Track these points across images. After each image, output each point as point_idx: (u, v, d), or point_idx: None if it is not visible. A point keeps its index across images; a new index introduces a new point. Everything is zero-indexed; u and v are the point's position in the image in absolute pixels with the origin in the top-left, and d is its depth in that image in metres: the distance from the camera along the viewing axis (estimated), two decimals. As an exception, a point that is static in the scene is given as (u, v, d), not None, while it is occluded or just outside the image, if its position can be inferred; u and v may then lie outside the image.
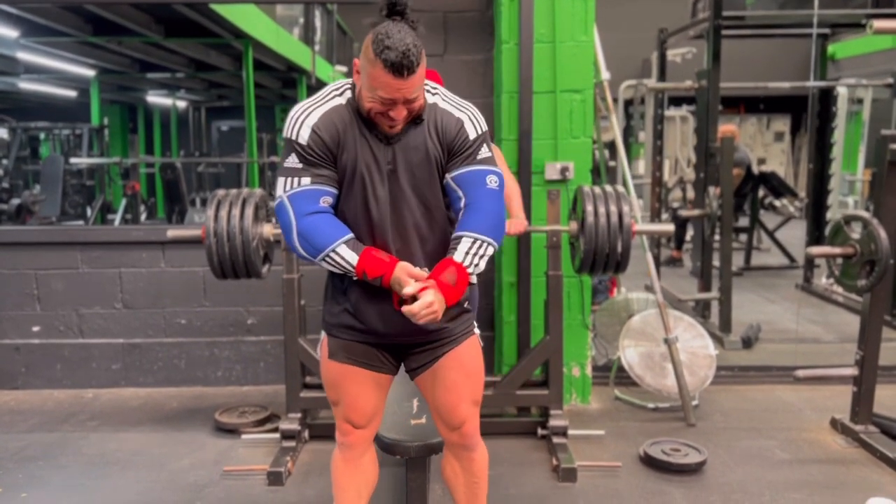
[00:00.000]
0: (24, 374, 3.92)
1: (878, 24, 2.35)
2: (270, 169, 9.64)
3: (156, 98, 14.01)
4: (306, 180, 1.78)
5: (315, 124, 1.77)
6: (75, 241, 3.91)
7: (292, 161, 1.79)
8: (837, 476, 2.88)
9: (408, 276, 1.76)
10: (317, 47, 10.41)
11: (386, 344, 1.94)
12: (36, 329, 3.92)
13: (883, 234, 2.94)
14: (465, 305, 1.95)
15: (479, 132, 1.85)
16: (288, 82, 11.43)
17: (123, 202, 10.17)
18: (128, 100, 14.21)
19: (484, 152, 1.85)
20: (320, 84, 10.98)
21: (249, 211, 2.94)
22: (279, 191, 1.81)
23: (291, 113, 1.81)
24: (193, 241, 3.22)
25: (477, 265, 1.80)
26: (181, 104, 14.44)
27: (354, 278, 1.81)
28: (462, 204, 1.83)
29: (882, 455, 2.97)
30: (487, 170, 1.84)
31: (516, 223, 2.98)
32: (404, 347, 1.96)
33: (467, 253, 1.78)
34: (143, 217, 9.27)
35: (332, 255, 1.77)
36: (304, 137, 1.77)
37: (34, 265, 3.89)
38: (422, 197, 1.84)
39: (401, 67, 1.65)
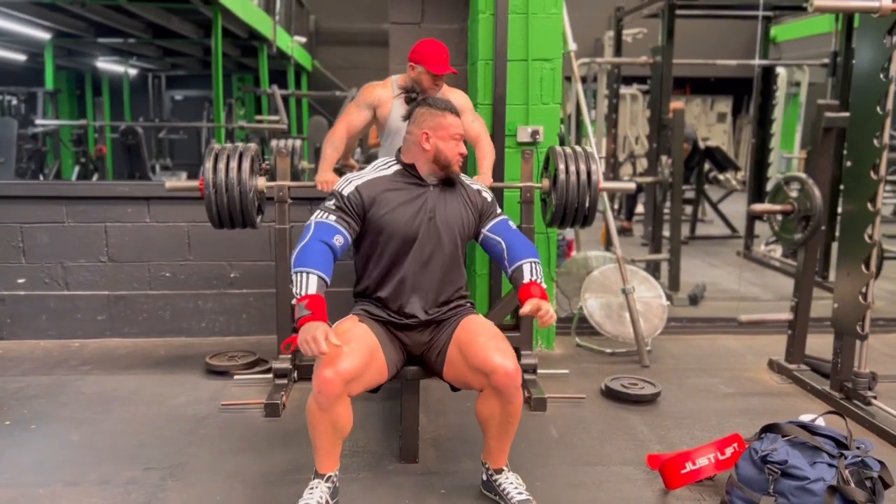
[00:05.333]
0: (10, 325, 4.03)
1: (818, 2, 2.66)
2: (230, 137, 9.64)
3: (106, 65, 13.71)
4: (332, 218, 2.31)
5: (360, 185, 2.36)
6: (60, 196, 4.01)
7: (331, 204, 2.34)
8: (773, 405, 3.27)
9: (323, 336, 2.01)
10: (276, 17, 10.44)
11: (403, 325, 2.40)
12: (21, 281, 4.02)
13: (817, 192, 3.31)
14: (466, 297, 2.51)
15: (491, 197, 2.54)
16: (247, 50, 11.42)
17: (76, 169, 10.04)
18: (76, 66, 13.86)
19: (498, 208, 2.55)
20: (281, 54, 11.12)
21: (246, 164, 3.11)
22: (313, 217, 2.33)
23: (346, 176, 2.42)
24: (191, 195, 3.40)
25: (540, 275, 2.41)
26: (133, 72, 14.19)
27: (293, 302, 2.19)
28: (502, 246, 2.45)
29: (811, 388, 3.38)
30: (507, 218, 2.54)
31: (484, 179, 3.24)
32: (420, 329, 2.41)
33: (531, 271, 2.39)
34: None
35: (302, 273, 2.16)
36: (347, 191, 2.34)
37: (19, 218, 3.98)
38: (451, 236, 2.41)
39: (454, 110, 2.43)
